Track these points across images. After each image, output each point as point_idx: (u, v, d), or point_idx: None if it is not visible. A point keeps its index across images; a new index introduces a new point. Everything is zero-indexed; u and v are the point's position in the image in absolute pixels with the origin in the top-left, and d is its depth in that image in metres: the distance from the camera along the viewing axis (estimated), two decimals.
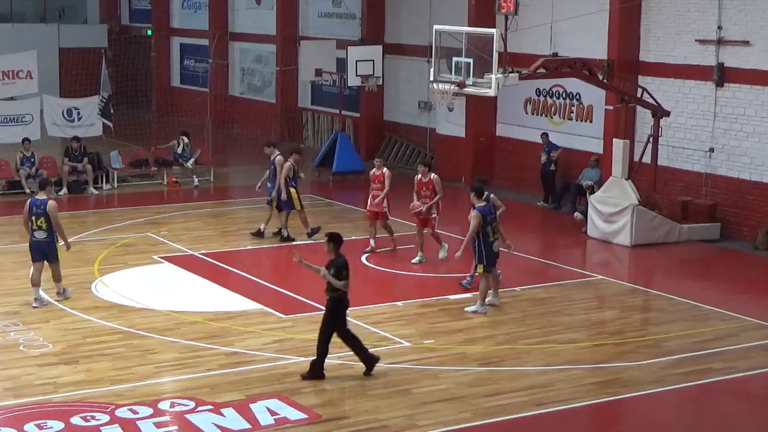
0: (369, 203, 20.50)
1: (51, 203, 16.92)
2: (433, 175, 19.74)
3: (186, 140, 28.52)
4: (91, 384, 13.54)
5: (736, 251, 21.68)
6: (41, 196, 17.07)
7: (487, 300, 17.02)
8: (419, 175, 19.85)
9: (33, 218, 16.89)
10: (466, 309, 16.92)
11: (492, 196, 17.55)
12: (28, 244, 17.18)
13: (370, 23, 31.92)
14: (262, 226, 21.46)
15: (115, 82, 34.65)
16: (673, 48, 23.58)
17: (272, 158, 21.47)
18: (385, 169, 20.44)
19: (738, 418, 13.22)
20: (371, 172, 20.64)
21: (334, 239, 13.83)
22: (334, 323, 13.81)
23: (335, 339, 13.69)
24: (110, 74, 31.71)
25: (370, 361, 14.00)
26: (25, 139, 26.84)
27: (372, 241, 20.47)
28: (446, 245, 19.85)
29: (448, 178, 28.00)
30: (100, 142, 29.53)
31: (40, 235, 16.90)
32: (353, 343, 13.99)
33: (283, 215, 21.34)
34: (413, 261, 19.86)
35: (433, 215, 19.72)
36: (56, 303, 16.99)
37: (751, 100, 22.14)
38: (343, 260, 13.75)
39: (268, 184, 21.58)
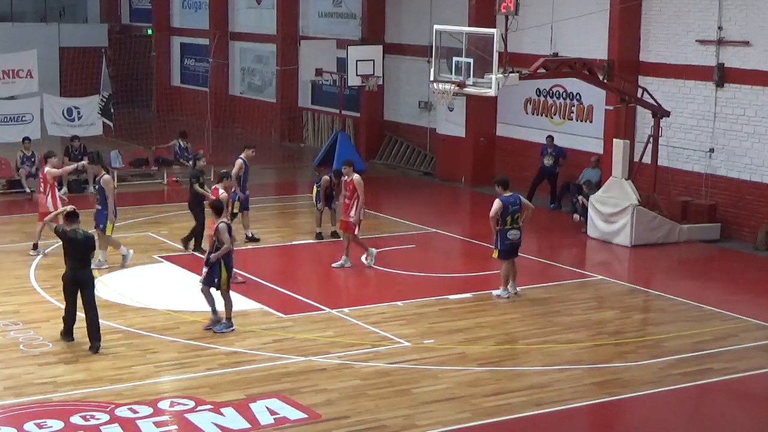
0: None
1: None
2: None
3: (185, 141, 28.52)
4: (91, 383, 13.54)
5: (736, 251, 21.66)
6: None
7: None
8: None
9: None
10: (493, 292, 17.68)
11: (521, 197, 17.81)
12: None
13: (370, 23, 31.91)
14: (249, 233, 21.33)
15: (116, 81, 34.66)
16: (674, 48, 23.57)
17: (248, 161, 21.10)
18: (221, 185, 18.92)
19: (738, 419, 13.21)
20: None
21: (69, 216, 15.14)
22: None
23: (331, 338, 13.62)
24: (110, 74, 31.75)
25: (68, 332, 15.08)
26: (26, 139, 26.82)
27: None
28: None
29: (448, 178, 28.06)
30: (100, 141, 29.54)
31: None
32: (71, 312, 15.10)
33: (246, 216, 21.27)
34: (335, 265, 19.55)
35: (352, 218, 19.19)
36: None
37: (751, 100, 22.13)
38: (64, 232, 14.91)
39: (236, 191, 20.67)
